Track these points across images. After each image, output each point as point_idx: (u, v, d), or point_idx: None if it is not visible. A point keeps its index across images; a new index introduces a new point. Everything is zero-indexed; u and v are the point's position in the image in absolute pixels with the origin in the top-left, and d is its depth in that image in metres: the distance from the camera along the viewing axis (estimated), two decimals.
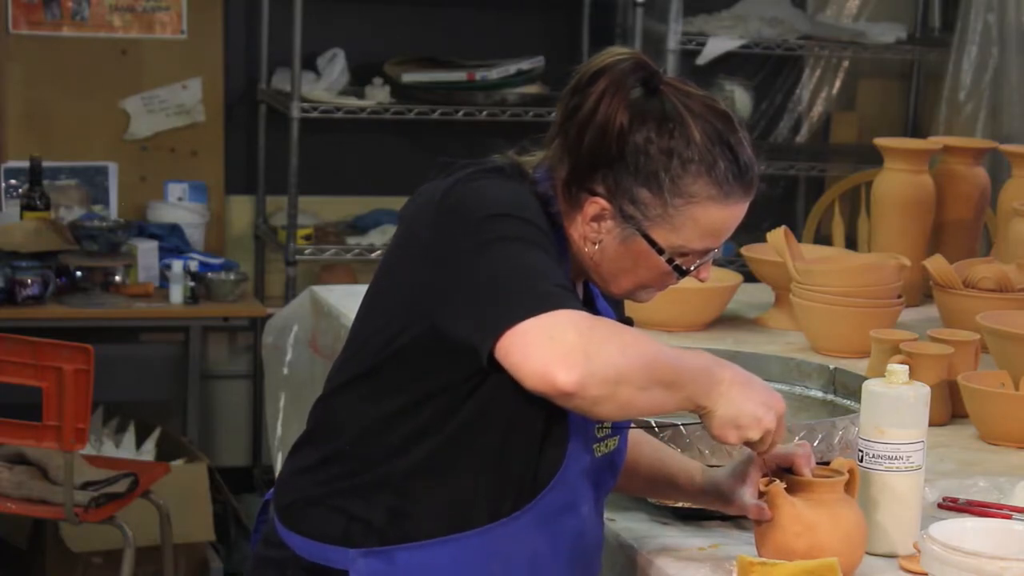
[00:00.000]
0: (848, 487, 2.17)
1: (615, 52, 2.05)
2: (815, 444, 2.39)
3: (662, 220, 2.03)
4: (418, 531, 2.03)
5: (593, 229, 2.06)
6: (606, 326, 1.92)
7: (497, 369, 1.91)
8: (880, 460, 2.22)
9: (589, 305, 2.19)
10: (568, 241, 2.09)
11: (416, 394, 2.02)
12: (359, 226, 5.56)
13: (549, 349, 1.86)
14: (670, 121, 2.02)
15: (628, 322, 2.21)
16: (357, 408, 2.06)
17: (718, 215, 2.05)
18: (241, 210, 5.68)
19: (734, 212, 2.07)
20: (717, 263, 2.60)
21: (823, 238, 4.79)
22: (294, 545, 2.08)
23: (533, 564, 2.07)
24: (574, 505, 2.10)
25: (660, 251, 2.05)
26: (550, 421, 2.04)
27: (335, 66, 5.44)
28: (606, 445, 2.16)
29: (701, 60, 5.57)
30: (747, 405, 2.00)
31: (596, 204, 2.04)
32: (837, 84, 6.14)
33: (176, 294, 5.00)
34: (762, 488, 2.16)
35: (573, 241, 2.09)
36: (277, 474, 2.31)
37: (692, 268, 2.09)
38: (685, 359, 1.97)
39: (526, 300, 1.89)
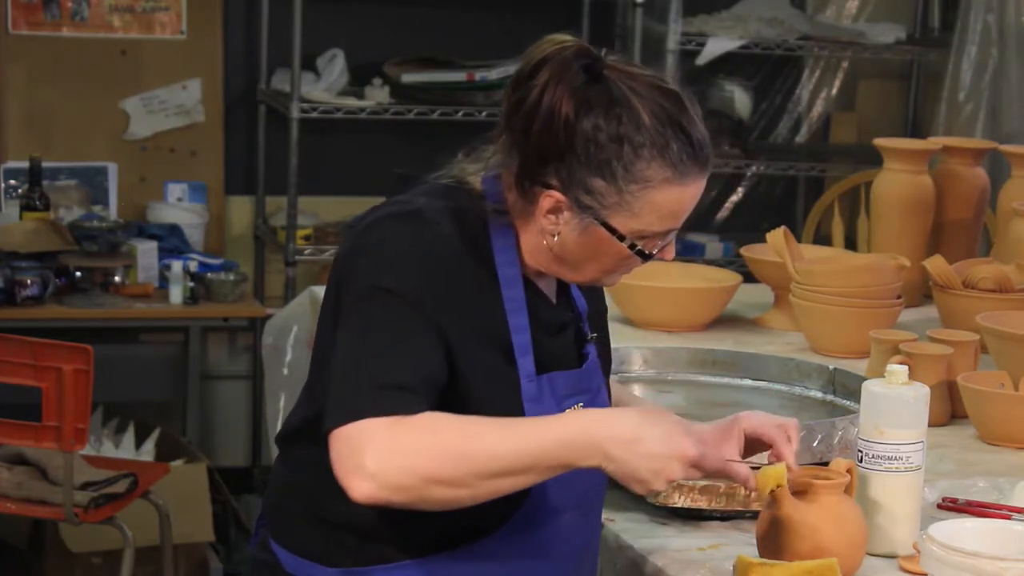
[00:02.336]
0: (847, 488, 2.17)
1: (556, 40, 2.01)
2: (815, 444, 2.39)
3: (619, 207, 2.00)
4: (393, 553, 2.02)
5: (551, 222, 2.02)
6: (418, 431, 1.89)
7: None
8: (880, 460, 2.22)
9: (563, 295, 2.16)
10: (517, 239, 2.06)
11: None
12: None
13: (347, 461, 1.88)
14: (617, 106, 1.97)
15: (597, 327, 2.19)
16: (316, 443, 2.04)
17: (676, 196, 2.02)
18: (241, 210, 5.68)
19: (691, 191, 2.03)
20: (717, 263, 2.60)
21: (823, 238, 4.79)
22: (281, 558, 2.10)
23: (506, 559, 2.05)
24: (555, 512, 2.08)
25: (621, 237, 2.02)
26: None
27: (335, 66, 5.44)
28: None
29: (701, 60, 5.57)
30: (638, 463, 1.91)
31: (551, 197, 2.00)
32: (837, 84, 6.14)
33: (176, 294, 5.00)
34: (767, 487, 2.14)
35: (531, 235, 2.05)
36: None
37: (655, 251, 2.06)
38: (543, 435, 1.91)
39: (346, 405, 1.90)
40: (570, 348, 2.14)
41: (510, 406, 2.02)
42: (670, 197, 2.01)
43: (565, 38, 2.01)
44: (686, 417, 2.04)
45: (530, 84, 1.98)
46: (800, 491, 2.14)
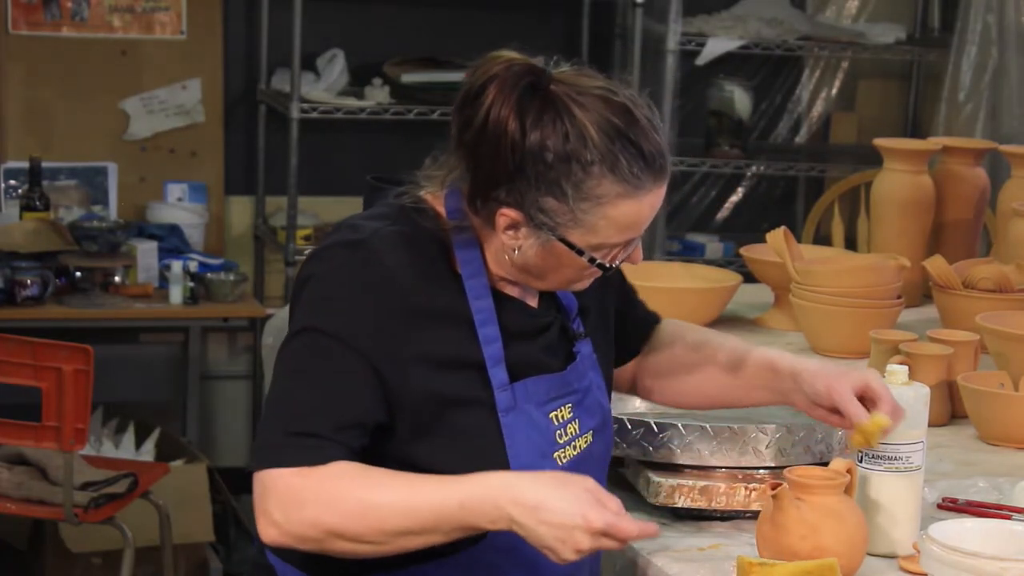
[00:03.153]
0: (847, 488, 2.17)
1: (502, 57, 1.97)
2: (815, 444, 2.39)
3: (575, 224, 1.97)
4: (385, 563, 2.01)
5: (510, 237, 2.00)
6: (321, 483, 1.91)
7: None
8: (879, 460, 2.22)
9: (547, 295, 2.13)
10: (482, 249, 2.04)
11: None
12: None
13: (258, 504, 1.93)
14: (563, 124, 1.93)
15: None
16: None
17: (631, 209, 1.98)
18: (241, 210, 5.68)
19: (648, 201, 1.99)
20: (717, 263, 2.60)
21: (823, 238, 4.79)
22: (277, 567, 2.10)
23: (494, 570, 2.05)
24: None
25: (580, 252, 2.00)
26: (483, 455, 2.01)
27: (335, 66, 5.44)
28: (574, 447, 2.11)
29: (701, 60, 5.57)
30: (543, 531, 1.87)
31: (506, 216, 1.98)
32: (837, 84, 6.14)
33: (176, 294, 5.00)
34: (769, 491, 2.14)
35: (494, 247, 2.04)
36: None
37: (617, 262, 2.04)
38: (444, 497, 1.89)
39: (262, 449, 1.94)
40: (554, 350, 2.12)
41: (484, 421, 2.01)
42: (626, 211, 1.98)
43: (512, 55, 1.97)
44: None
45: (476, 103, 1.95)
46: (800, 491, 2.14)
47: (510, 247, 2.01)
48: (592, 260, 2.01)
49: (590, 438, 2.14)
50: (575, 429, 2.11)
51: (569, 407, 2.10)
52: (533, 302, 2.12)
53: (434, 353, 1.99)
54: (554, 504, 1.87)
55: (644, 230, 2.04)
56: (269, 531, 1.92)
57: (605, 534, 1.88)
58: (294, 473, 1.91)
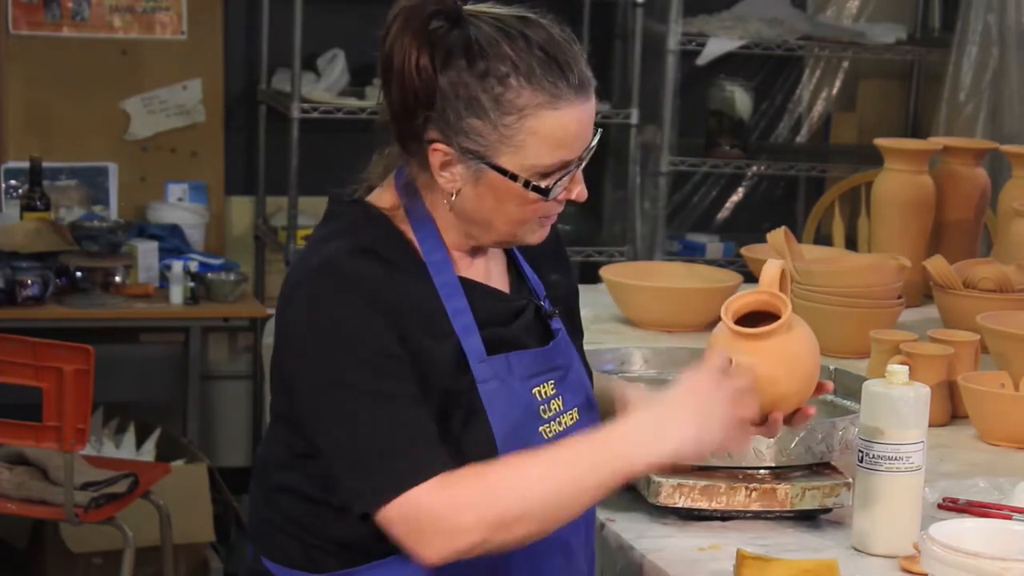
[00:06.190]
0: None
1: None
2: (815, 444, 2.39)
3: (501, 143, 1.97)
4: (377, 551, 2.00)
5: (447, 179, 2.00)
6: (470, 483, 1.91)
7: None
8: (880, 460, 2.22)
9: (517, 281, 2.14)
10: (436, 227, 2.05)
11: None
12: None
13: (411, 535, 1.91)
14: (476, 43, 1.95)
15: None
16: (285, 444, 2.05)
17: (555, 122, 1.96)
18: (241, 210, 5.68)
19: (572, 115, 1.97)
20: (717, 263, 2.59)
21: (823, 238, 4.79)
22: (270, 568, 2.09)
23: (494, 571, 2.04)
24: None
25: (514, 177, 1.99)
26: (467, 435, 2.00)
27: (335, 66, 5.44)
28: (559, 423, 2.11)
29: (701, 60, 5.57)
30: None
31: (437, 151, 1.99)
32: (837, 85, 6.14)
33: (176, 294, 5.00)
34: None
35: (442, 212, 2.04)
36: None
37: (554, 186, 2.00)
38: (587, 441, 1.95)
39: (386, 476, 1.91)
40: (532, 331, 2.12)
41: (467, 392, 2.00)
42: (550, 123, 1.97)
43: None
44: None
45: (386, 40, 1.98)
46: (745, 342, 2.08)
47: (448, 190, 2.01)
48: (527, 184, 1.99)
49: (576, 415, 2.13)
50: (559, 405, 2.10)
51: (552, 383, 2.10)
52: (502, 285, 2.12)
53: (427, 337, 1.99)
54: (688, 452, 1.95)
55: (580, 155, 2.01)
56: (431, 553, 1.90)
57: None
58: (437, 485, 1.90)
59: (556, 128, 1.97)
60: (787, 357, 2.07)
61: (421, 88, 1.96)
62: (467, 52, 1.96)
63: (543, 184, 2.00)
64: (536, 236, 2.07)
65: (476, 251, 2.10)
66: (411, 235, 2.05)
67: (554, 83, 1.96)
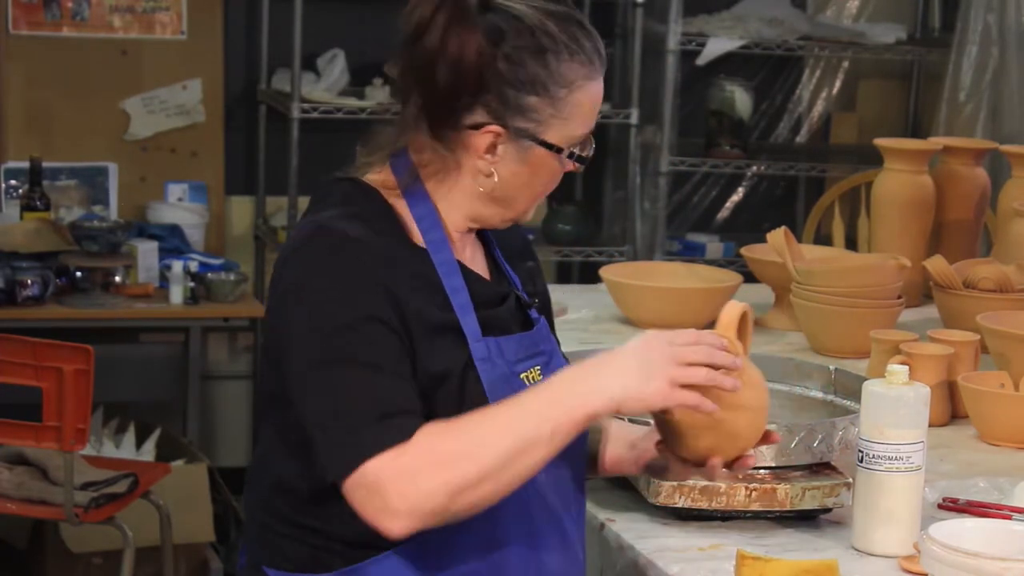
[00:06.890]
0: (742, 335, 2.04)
1: None
2: (815, 444, 2.39)
3: (553, 118, 2.03)
4: (382, 542, 1.98)
5: (488, 162, 2.04)
6: (424, 447, 1.90)
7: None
8: (880, 460, 2.22)
9: (495, 270, 2.16)
10: (436, 207, 2.07)
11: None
12: None
13: (370, 505, 1.90)
14: (522, 24, 2.02)
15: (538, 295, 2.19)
16: (278, 437, 2.04)
17: (595, 92, 2.06)
18: (241, 210, 5.68)
19: (600, 86, 2.08)
20: (717, 263, 2.59)
21: (823, 238, 4.79)
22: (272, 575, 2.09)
23: (490, 544, 2.04)
24: (532, 482, 2.02)
25: (559, 150, 2.05)
26: (465, 404, 2.00)
27: (335, 66, 5.44)
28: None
29: (701, 60, 5.57)
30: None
31: (489, 132, 2.03)
32: (837, 84, 6.15)
33: (176, 294, 5.00)
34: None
35: (453, 193, 2.07)
36: None
37: (586, 152, 2.08)
38: (531, 394, 1.94)
39: (349, 447, 1.90)
40: (514, 316, 2.13)
41: (461, 371, 2.01)
42: (591, 94, 2.06)
43: None
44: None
45: (429, 33, 2.03)
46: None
47: (485, 172, 2.04)
48: (571, 155, 2.05)
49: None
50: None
51: (538, 369, 2.11)
52: (484, 273, 2.14)
53: (423, 312, 2.00)
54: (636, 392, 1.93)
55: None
56: (394, 524, 1.89)
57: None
58: (394, 455, 1.89)
59: (593, 98, 2.06)
60: (734, 404, 1.99)
61: (478, 73, 2.01)
62: (517, 31, 2.01)
63: (580, 152, 2.07)
64: (530, 215, 2.14)
65: (464, 237, 2.11)
66: (403, 212, 2.07)
67: (589, 56, 2.05)
